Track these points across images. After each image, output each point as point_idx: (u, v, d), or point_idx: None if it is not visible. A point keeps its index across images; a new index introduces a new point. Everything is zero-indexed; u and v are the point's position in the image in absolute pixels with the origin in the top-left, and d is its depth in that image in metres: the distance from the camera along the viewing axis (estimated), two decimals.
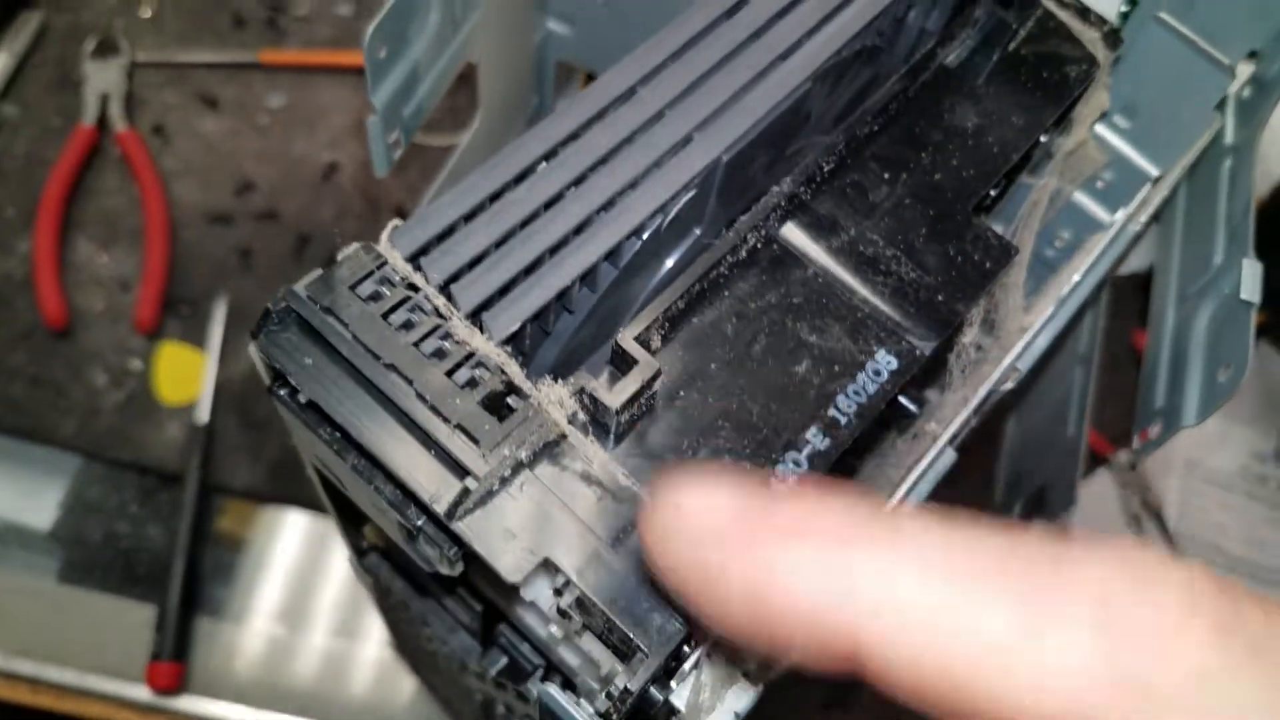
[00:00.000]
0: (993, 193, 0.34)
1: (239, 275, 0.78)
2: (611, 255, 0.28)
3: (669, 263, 0.32)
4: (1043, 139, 0.34)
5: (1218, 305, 0.35)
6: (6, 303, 0.75)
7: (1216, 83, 0.37)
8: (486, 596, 0.34)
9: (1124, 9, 0.39)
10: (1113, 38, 0.35)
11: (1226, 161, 0.39)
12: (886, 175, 0.31)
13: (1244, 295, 0.33)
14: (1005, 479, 0.51)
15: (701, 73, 0.30)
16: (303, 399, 0.26)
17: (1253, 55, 0.40)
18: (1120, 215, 0.33)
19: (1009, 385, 0.31)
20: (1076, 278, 0.31)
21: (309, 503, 0.73)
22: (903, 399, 0.31)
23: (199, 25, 0.86)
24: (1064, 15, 0.34)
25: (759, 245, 0.29)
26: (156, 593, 0.69)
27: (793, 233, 0.30)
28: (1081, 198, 0.42)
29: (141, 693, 0.68)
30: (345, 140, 0.83)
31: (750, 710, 0.29)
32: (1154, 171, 0.40)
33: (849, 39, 0.31)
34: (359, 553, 0.41)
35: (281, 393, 0.27)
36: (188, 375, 0.75)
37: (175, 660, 0.67)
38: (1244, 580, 0.79)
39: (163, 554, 0.70)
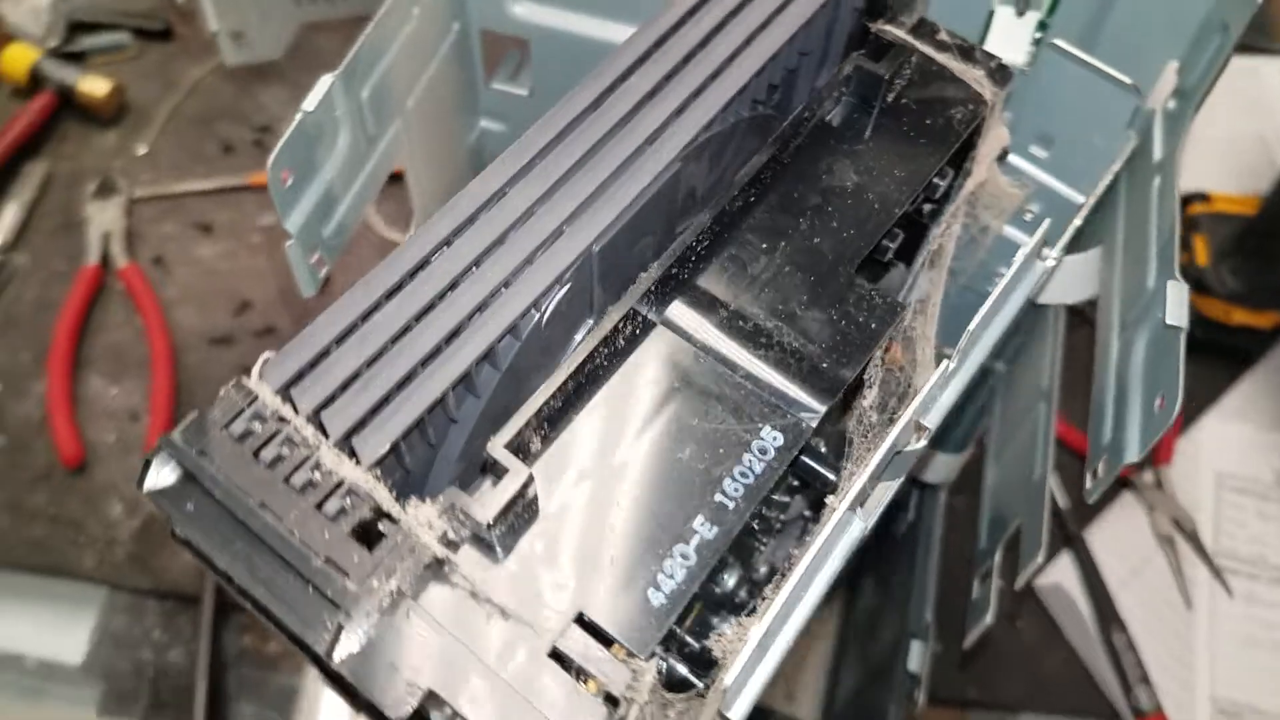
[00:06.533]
0: (890, 245, 0.33)
1: None
2: (489, 358, 0.28)
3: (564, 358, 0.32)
4: (939, 182, 0.33)
5: (1152, 332, 0.34)
6: (24, 446, 0.78)
7: (1123, 102, 0.36)
8: None
9: (1034, 42, 0.39)
10: (1001, 73, 0.34)
11: (1155, 180, 0.37)
12: (764, 245, 0.30)
13: (1170, 320, 0.31)
14: (987, 523, 0.49)
15: (569, 167, 0.30)
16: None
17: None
18: (1020, 254, 0.32)
19: (920, 444, 0.30)
20: (973, 325, 0.30)
21: None
22: (821, 468, 0.30)
23: (191, 156, 0.90)
24: (944, 58, 0.34)
25: (635, 331, 0.29)
26: (184, 717, 0.69)
27: (669, 314, 0.29)
28: (1012, 232, 0.41)
29: None
30: None
31: None
32: (1079, 198, 0.39)
33: (715, 114, 0.31)
34: None
35: (183, 539, 0.27)
36: None
37: None
38: None
39: (186, 677, 0.71)
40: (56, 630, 0.74)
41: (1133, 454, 0.32)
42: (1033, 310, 0.47)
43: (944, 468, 0.57)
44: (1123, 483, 0.79)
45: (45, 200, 0.87)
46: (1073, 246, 0.42)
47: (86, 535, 0.75)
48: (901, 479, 0.33)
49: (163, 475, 0.26)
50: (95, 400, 0.79)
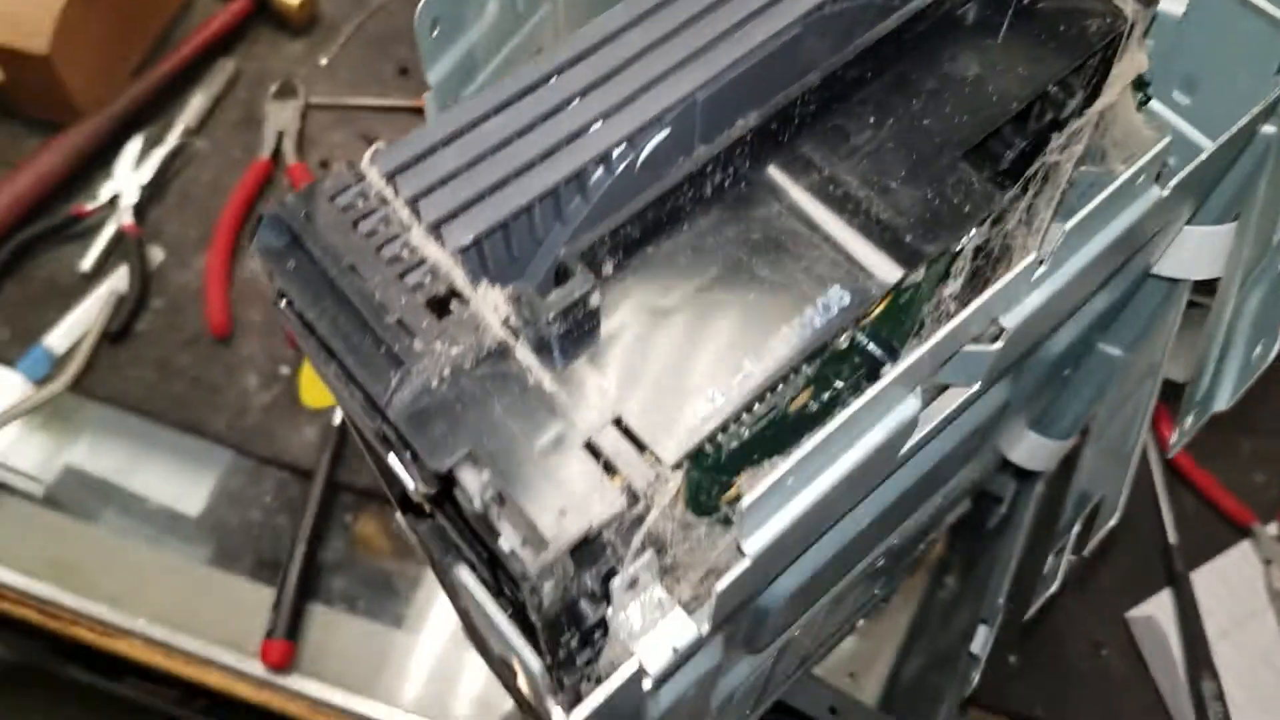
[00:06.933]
0: (1006, 151, 0.32)
1: None
2: (579, 183, 0.30)
3: None
4: (1067, 99, 0.33)
5: (1269, 284, 0.32)
6: (181, 310, 0.84)
7: (1274, 44, 0.34)
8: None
9: None
10: None
11: None
12: (871, 119, 0.31)
13: None
14: (1072, 501, 0.47)
15: (691, 15, 0.31)
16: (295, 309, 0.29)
17: None
18: (1130, 169, 0.31)
19: (995, 347, 0.29)
20: (1069, 224, 0.29)
21: None
22: (885, 354, 0.30)
23: (367, 73, 0.95)
24: None
25: (725, 183, 0.30)
26: (280, 577, 0.74)
27: (759, 167, 0.30)
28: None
29: (255, 668, 0.72)
30: None
31: (693, 647, 0.28)
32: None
33: None
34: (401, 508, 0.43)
35: (282, 305, 0.30)
36: None
37: (287, 639, 0.72)
38: None
39: (288, 542, 0.76)
40: (181, 482, 0.80)
41: (1223, 401, 0.31)
42: (1153, 284, 0.45)
43: (1044, 454, 0.55)
44: (1242, 531, 0.75)
45: (231, 95, 0.94)
46: (1204, 214, 0.40)
47: (222, 399, 0.81)
48: (976, 390, 0.33)
49: (272, 236, 0.29)
50: (248, 281, 0.85)
